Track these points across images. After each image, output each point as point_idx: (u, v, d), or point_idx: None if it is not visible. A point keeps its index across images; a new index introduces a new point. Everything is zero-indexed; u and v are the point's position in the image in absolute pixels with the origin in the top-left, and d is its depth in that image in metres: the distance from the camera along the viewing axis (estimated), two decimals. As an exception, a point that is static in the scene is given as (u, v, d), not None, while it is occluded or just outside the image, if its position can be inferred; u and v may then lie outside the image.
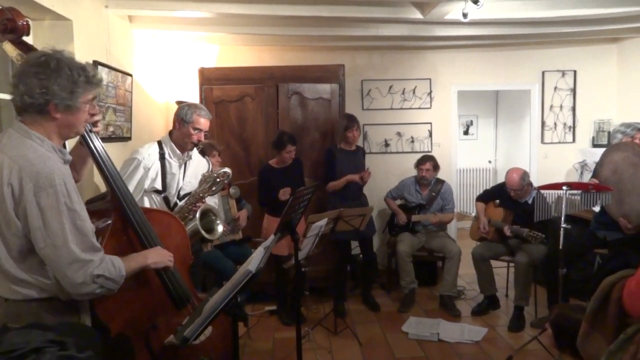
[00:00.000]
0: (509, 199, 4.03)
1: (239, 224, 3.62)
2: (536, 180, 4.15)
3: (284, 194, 3.71)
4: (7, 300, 1.49)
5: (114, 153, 3.14)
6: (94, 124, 1.76)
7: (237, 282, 1.59)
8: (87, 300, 1.63)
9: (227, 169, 2.63)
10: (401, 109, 5.17)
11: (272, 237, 2.01)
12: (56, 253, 1.42)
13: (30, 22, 2.70)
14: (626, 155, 3.21)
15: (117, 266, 1.54)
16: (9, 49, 1.74)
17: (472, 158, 7.48)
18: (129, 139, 3.64)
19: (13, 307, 1.49)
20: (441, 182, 4.52)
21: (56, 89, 1.45)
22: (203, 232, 2.51)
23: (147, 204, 2.62)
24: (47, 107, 1.47)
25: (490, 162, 7.65)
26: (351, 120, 4.09)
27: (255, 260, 1.63)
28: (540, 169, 5.35)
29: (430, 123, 5.21)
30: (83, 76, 1.51)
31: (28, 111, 1.48)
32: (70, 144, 2.00)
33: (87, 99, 1.55)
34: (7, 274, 1.47)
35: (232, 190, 3.61)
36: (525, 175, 3.92)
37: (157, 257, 1.79)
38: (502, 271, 4.55)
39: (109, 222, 1.83)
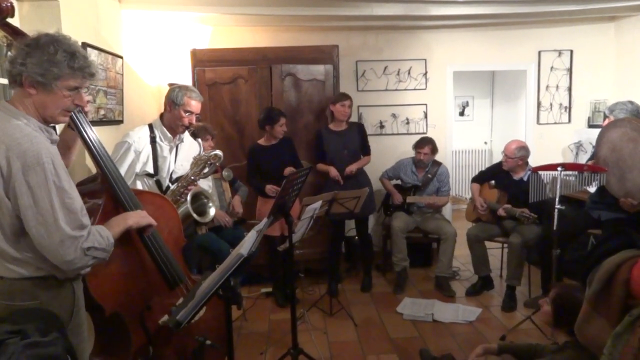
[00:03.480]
0: (504, 178, 4.03)
1: (236, 212, 3.62)
2: (532, 161, 4.13)
3: (270, 190, 3.71)
4: (2, 279, 1.50)
5: (106, 136, 3.12)
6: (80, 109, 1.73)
7: (229, 265, 1.59)
8: (80, 278, 1.64)
9: (218, 151, 2.61)
10: (396, 90, 5.13)
11: (264, 220, 2.01)
12: (47, 231, 1.42)
13: (17, 3, 2.65)
14: (624, 132, 3.13)
15: (104, 235, 1.55)
16: (-5, 31, 1.70)
17: (467, 139, 7.46)
18: (121, 122, 3.60)
19: (8, 285, 1.49)
20: (438, 164, 4.51)
21: (32, 61, 1.45)
22: (195, 215, 2.50)
23: (139, 188, 2.60)
24: (20, 79, 1.47)
25: (486, 143, 7.63)
26: (342, 94, 4.07)
27: (247, 243, 1.62)
28: (535, 149, 5.31)
29: (426, 104, 5.17)
30: (68, 60, 1.49)
31: (10, 83, 1.50)
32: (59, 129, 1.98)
33: (68, 84, 1.51)
34: (2, 253, 1.48)
35: (224, 172, 3.59)
36: (523, 148, 3.92)
37: (137, 217, 1.79)
38: (497, 252, 4.57)
39: (99, 202, 1.83)
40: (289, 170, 3.70)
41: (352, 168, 4.04)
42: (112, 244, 1.57)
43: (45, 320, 0.97)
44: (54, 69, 1.47)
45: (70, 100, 1.55)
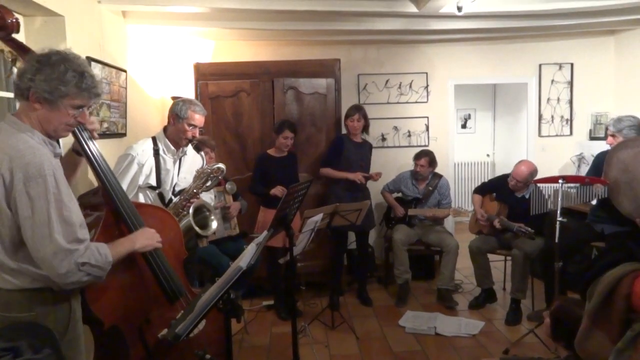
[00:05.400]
0: (506, 192, 4.02)
1: (229, 212, 3.61)
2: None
3: (277, 190, 3.71)
4: (2, 290, 1.50)
5: (109, 149, 3.15)
6: (89, 131, 1.77)
7: (228, 278, 1.59)
8: (78, 291, 1.64)
9: (221, 165, 2.62)
10: (398, 103, 5.16)
11: (264, 233, 2.01)
12: (42, 243, 1.44)
13: (22, 19, 2.71)
14: (636, 152, 3.07)
15: (102, 253, 1.55)
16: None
17: (470, 152, 7.47)
18: (124, 135, 3.62)
19: (5, 296, 1.50)
20: (439, 176, 4.52)
21: (40, 78, 1.48)
22: (196, 228, 2.51)
23: (142, 200, 2.61)
24: (27, 93, 1.50)
25: (488, 155, 7.64)
26: (352, 109, 4.11)
27: (246, 256, 1.62)
28: (537, 162, 5.26)
29: (427, 117, 5.19)
30: (77, 80, 1.52)
31: (16, 96, 1.54)
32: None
33: (73, 103, 1.54)
34: (1, 265, 1.49)
35: (228, 186, 3.61)
36: (535, 172, 3.89)
37: (145, 239, 1.80)
38: (500, 265, 4.55)
39: (100, 215, 1.84)
40: (279, 190, 3.70)
41: (375, 176, 4.09)
42: (110, 263, 1.56)
43: (39, 335, 0.97)
44: (61, 88, 1.50)
45: (74, 117, 1.58)
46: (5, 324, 1.44)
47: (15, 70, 1.54)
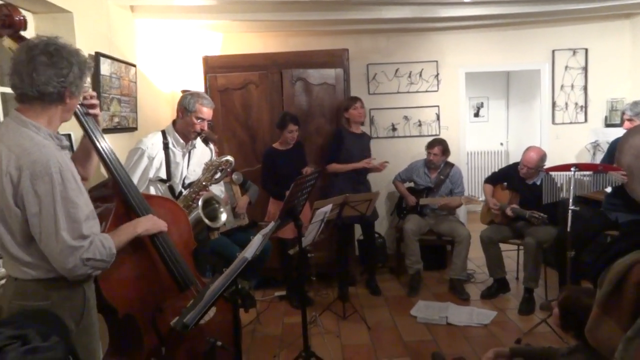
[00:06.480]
0: (517, 181, 3.98)
1: (238, 208, 3.69)
2: (548, 162, 4.08)
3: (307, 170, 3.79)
4: (17, 279, 1.56)
5: (120, 143, 3.19)
6: (90, 106, 1.78)
7: (234, 268, 1.61)
8: (91, 280, 1.69)
9: (229, 157, 2.64)
10: (408, 92, 5.11)
11: (271, 224, 2.02)
12: (48, 239, 1.47)
13: (31, 16, 2.74)
14: None
15: (107, 246, 1.58)
16: (8, 43, 1.77)
17: (483, 140, 7.40)
18: (135, 129, 3.66)
19: (22, 285, 1.55)
20: (450, 165, 4.48)
21: (71, 76, 1.53)
22: (206, 220, 2.53)
23: (152, 193, 2.64)
24: (64, 95, 1.55)
25: (502, 144, 7.55)
26: (351, 99, 4.13)
27: (252, 247, 1.64)
28: (551, 150, 5.23)
29: (438, 106, 5.14)
30: (84, 62, 1.59)
31: (42, 99, 1.53)
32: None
33: (84, 82, 1.62)
34: (15, 258, 1.53)
35: (234, 176, 3.64)
36: (544, 157, 3.86)
37: (147, 223, 1.83)
38: (513, 254, 4.51)
39: (111, 207, 1.87)
40: (308, 169, 3.73)
41: (381, 166, 4.11)
42: (113, 255, 1.60)
43: (48, 323, 0.99)
44: (84, 75, 1.59)
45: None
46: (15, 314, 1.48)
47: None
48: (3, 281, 1.71)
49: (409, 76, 5.09)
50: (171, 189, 2.72)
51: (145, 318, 1.98)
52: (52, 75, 1.50)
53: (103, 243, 1.57)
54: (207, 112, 2.73)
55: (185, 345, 2.14)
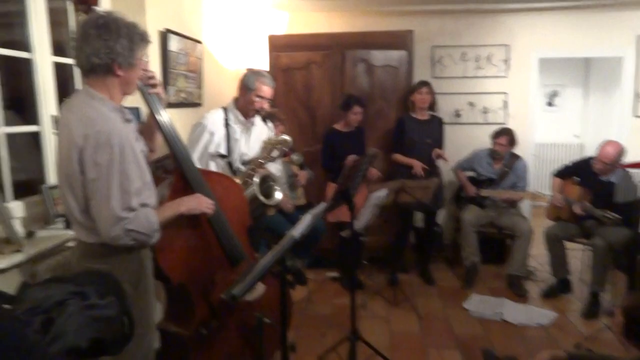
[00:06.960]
0: (590, 176, 3.71)
1: (297, 179, 3.69)
2: (627, 158, 3.76)
3: (349, 161, 3.71)
4: (82, 242, 1.68)
5: (186, 118, 3.30)
6: (152, 85, 1.84)
7: (283, 246, 1.62)
8: (149, 248, 1.76)
9: (286, 137, 2.65)
10: (474, 77, 4.89)
11: (321, 204, 2.02)
12: (99, 206, 1.55)
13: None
14: None
15: (151, 221, 1.63)
16: (83, 18, 1.87)
17: (555, 132, 6.96)
18: (200, 105, 3.77)
19: (86, 248, 1.66)
20: (516, 157, 4.26)
21: (119, 48, 1.57)
22: (261, 197, 2.57)
23: (212, 168, 2.72)
24: (112, 66, 1.59)
25: (577, 136, 7.07)
26: (419, 83, 4.03)
27: (301, 227, 1.64)
28: (631, 145, 4.82)
29: (506, 93, 4.88)
30: (137, 34, 1.62)
31: (95, 71, 1.60)
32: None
33: (140, 55, 1.66)
34: (79, 222, 1.64)
35: (294, 157, 3.66)
36: (622, 152, 3.58)
37: (191, 203, 1.88)
38: (578, 254, 4.25)
39: (171, 179, 1.97)
40: (351, 158, 3.69)
41: (443, 154, 4.02)
42: (155, 230, 1.65)
43: (106, 284, 1.06)
44: (134, 47, 1.61)
45: (141, 68, 1.70)
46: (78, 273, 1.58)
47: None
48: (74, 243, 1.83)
49: (476, 60, 4.86)
50: (230, 164, 2.79)
51: (198, 289, 2.06)
52: (99, 47, 1.55)
53: (148, 217, 1.62)
54: (267, 90, 2.75)
55: (234, 319, 2.21)
